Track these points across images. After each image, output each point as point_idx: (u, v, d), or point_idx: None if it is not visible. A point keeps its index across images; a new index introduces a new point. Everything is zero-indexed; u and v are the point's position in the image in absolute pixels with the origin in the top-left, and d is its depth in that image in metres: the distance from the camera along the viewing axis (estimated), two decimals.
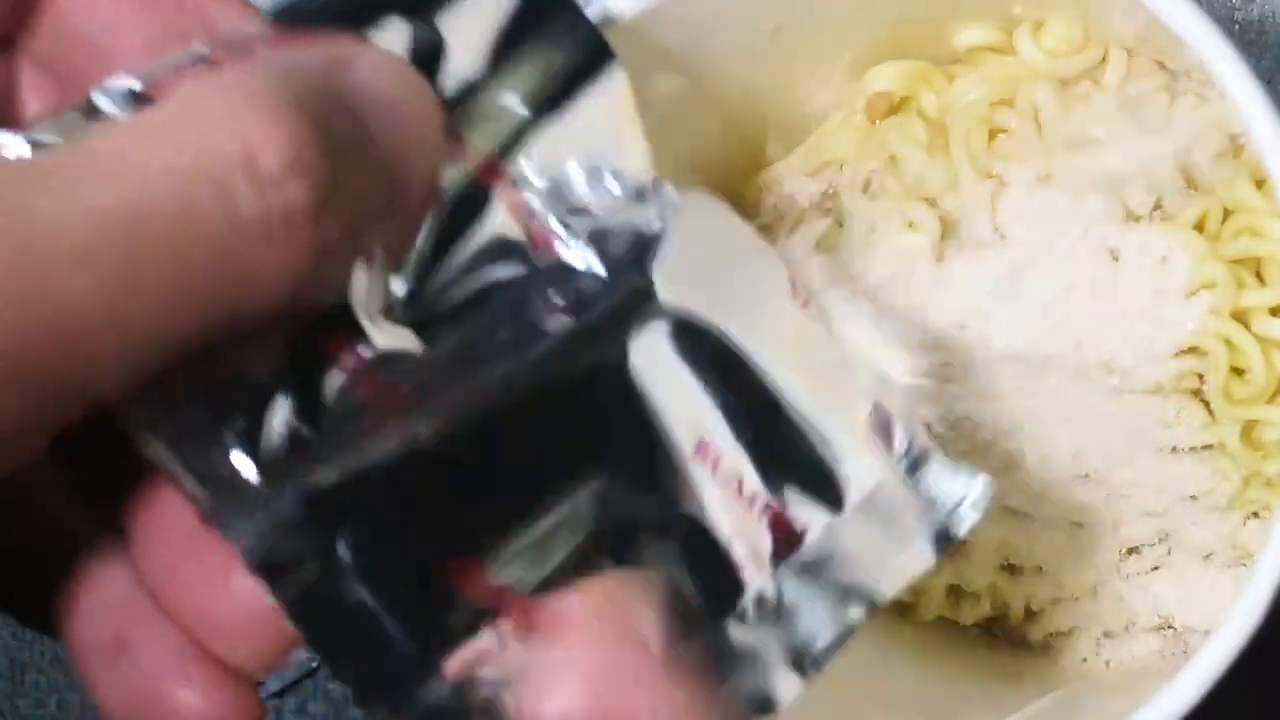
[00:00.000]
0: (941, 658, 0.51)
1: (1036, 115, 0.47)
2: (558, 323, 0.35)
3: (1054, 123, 0.47)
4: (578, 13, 0.37)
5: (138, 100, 0.31)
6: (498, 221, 0.35)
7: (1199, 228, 0.46)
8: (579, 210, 0.36)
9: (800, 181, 0.50)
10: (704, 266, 0.37)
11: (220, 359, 0.30)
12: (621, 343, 0.36)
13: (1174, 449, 0.47)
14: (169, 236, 0.27)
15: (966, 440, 0.48)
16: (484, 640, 0.32)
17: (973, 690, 0.50)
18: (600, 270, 0.36)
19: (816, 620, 0.36)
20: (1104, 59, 0.48)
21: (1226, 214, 0.46)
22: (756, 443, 0.37)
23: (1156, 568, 0.49)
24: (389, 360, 0.33)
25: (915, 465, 0.39)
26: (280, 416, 0.32)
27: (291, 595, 0.31)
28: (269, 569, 0.31)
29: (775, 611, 0.36)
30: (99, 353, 0.27)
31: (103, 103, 0.31)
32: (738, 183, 0.51)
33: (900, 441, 0.39)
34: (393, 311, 0.33)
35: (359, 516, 0.32)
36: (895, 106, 0.49)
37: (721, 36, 0.47)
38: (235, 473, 0.31)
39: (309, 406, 0.32)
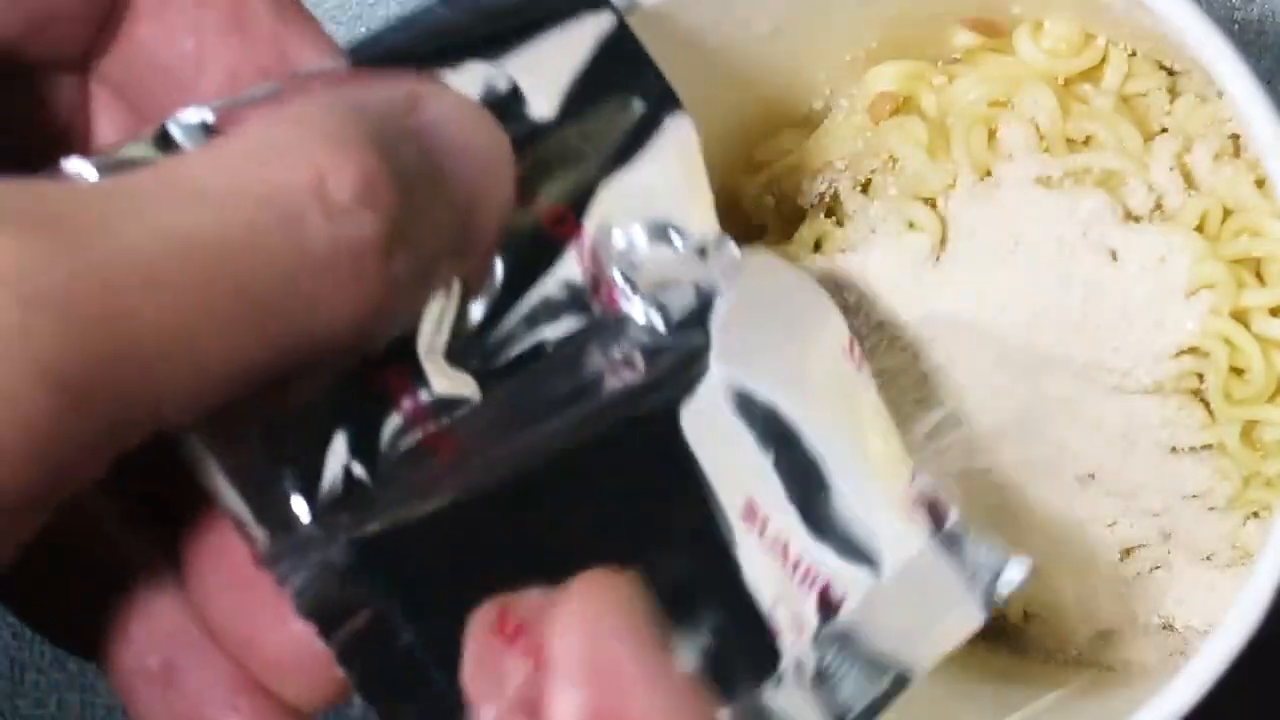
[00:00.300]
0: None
1: (1036, 115, 0.47)
2: (616, 378, 0.35)
3: (1054, 123, 0.47)
4: (648, 62, 0.37)
5: (209, 133, 0.31)
6: (562, 272, 0.35)
7: (1199, 228, 0.46)
8: (642, 264, 0.36)
9: (800, 181, 0.50)
10: (760, 328, 0.37)
11: (282, 393, 0.30)
12: (675, 400, 0.36)
13: (1174, 449, 0.47)
14: (240, 263, 0.27)
15: (966, 440, 0.48)
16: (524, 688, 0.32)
17: (973, 690, 0.50)
18: (660, 326, 0.36)
19: (854, 687, 0.36)
20: (1104, 59, 0.48)
21: (1226, 214, 0.46)
22: (804, 508, 0.37)
23: (1156, 568, 0.49)
24: (446, 406, 0.33)
25: (953, 539, 0.39)
26: (338, 458, 0.32)
27: (341, 641, 0.31)
28: (320, 615, 0.31)
29: (816, 678, 0.36)
30: (167, 378, 0.26)
31: (175, 133, 0.31)
32: (737, 182, 0.51)
33: (941, 514, 0.38)
34: (455, 355, 0.33)
35: (410, 566, 0.32)
36: (897, 107, 0.49)
37: (721, 36, 0.47)
38: (292, 514, 0.31)
39: (366, 449, 0.32)
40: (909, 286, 0.47)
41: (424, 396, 0.33)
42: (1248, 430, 0.46)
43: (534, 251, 0.35)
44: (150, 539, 0.33)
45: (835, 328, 0.38)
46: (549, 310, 0.35)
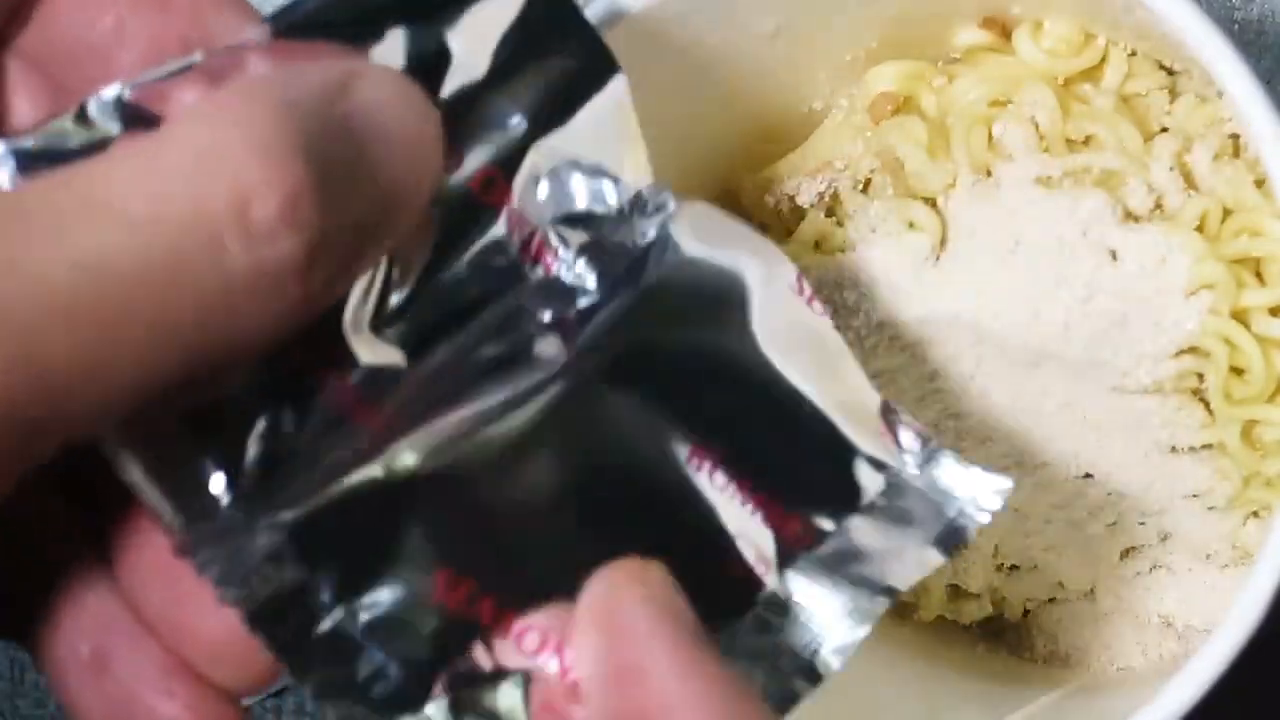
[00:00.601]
0: (941, 658, 0.51)
1: (1036, 115, 0.47)
2: (547, 343, 0.35)
3: (1054, 123, 0.47)
4: (581, 21, 0.36)
5: (126, 110, 0.31)
6: (491, 234, 0.35)
7: (1199, 228, 0.46)
8: (575, 221, 0.36)
9: (800, 181, 0.50)
10: (702, 274, 0.37)
11: (199, 387, 0.30)
12: (613, 358, 0.35)
13: (1174, 449, 0.47)
14: (158, 290, 0.27)
15: (966, 439, 0.48)
16: (477, 653, 0.32)
17: (973, 690, 0.50)
18: (591, 285, 0.36)
19: (832, 617, 0.36)
20: (1104, 59, 0.48)
21: (1226, 214, 0.46)
22: (761, 446, 0.36)
23: (1156, 567, 0.49)
24: (372, 376, 0.33)
25: (927, 461, 0.38)
26: (258, 443, 0.32)
27: (269, 626, 0.31)
28: (244, 600, 0.31)
29: (785, 610, 0.35)
30: (79, 403, 0.27)
31: (94, 110, 0.31)
32: (737, 182, 0.51)
33: (910, 439, 0.38)
34: (382, 325, 0.33)
35: (337, 544, 0.32)
36: (897, 107, 0.49)
37: (721, 36, 0.47)
38: (211, 502, 0.31)
39: (291, 430, 0.32)
40: (909, 286, 0.47)
41: (352, 374, 0.33)
42: (1248, 430, 0.46)
43: (462, 216, 0.34)
44: (78, 527, 0.33)
45: (781, 266, 0.38)
46: (477, 274, 0.34)
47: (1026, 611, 0.51)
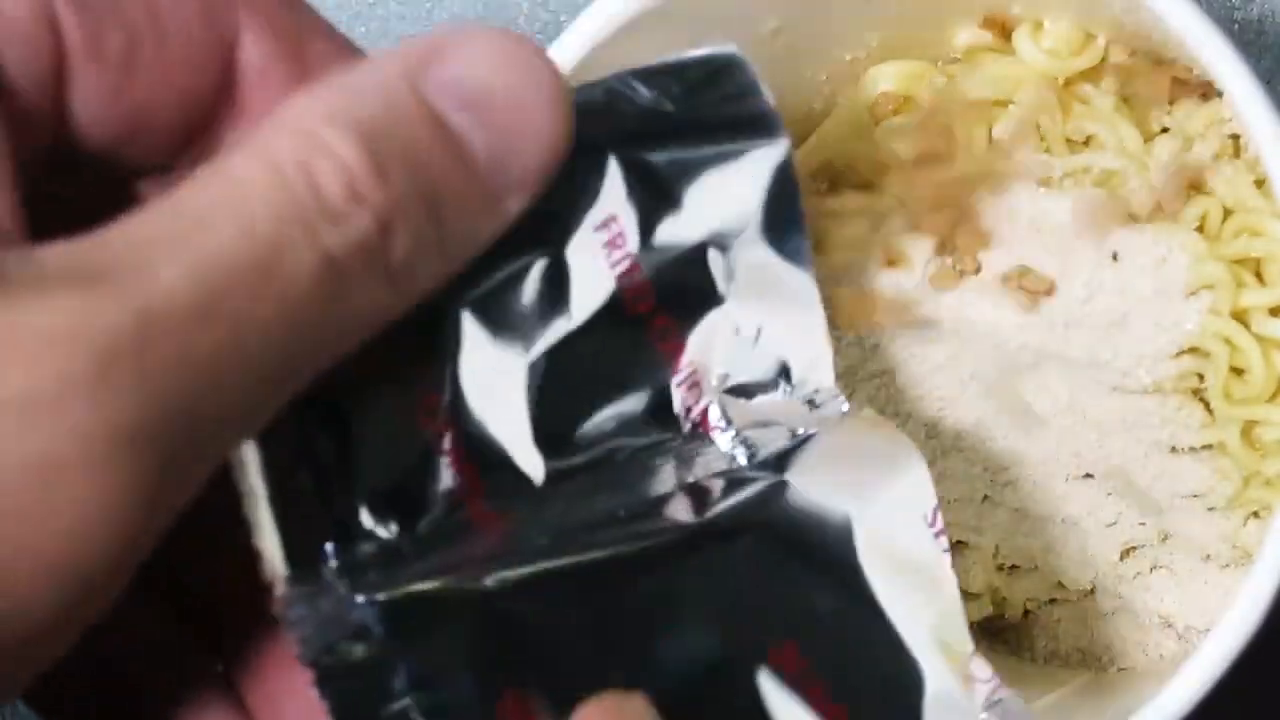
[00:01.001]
0: None
1: (1036, 115, 0.47)
2: (681, 504, 0.35)
3: (1054, 123, 0.47)
4: (794, 204, 0.36)
5: None
6: (656, 384, 0.35)
7: (1199, 228, 0.46)
8: (743, 393, 0.36)
9: (800, 181, 0.50)
10: (843, 468, 0.36)
11: (338, 437, 0.30)
12: (735, 532, 0.35)
13: (1174, 449, 0.47)
14: (274, 277, 0.27)
15: (964, 439, 0.48)
16: None
17: None
18: (743, 460, 0.36)
19: None
20: (1104, 59, 0.48)
21: (1226, 214, 0.46)
22: (840, 652, 0.36)
23: (1156, 567, 0.49)
24: (501, 482, 0.33)
25: (994, 706, 0.37)
26: (378, 514, 0.32)
27: (339, 693, 0.31)
28: (323, 666, 0.31)
29: None
30: (231, 407, 0.27)
31: None
32: None
33: (984, 686, 0.37)
34: (533, 437, 0.33)
35: (423, 637, 0.32)
36: (897, 107, 0.49)
37: (722, 36, 0.47)
38: (321, 560, 0.31)
39: (411, 508, 0.32)
40: (909, 286, 0.47)
41: (479, 466, 0.33)
42: (1248, 430, 0.46)
43: (632, 356, 0.35)
44: (198, 650, 0.33)
45: (921, 489, 0.37)
46: (633, 419, 0.35)
47: (1027, 611, 0.51)
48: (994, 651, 0.51)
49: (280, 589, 0.31)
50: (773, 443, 0.36)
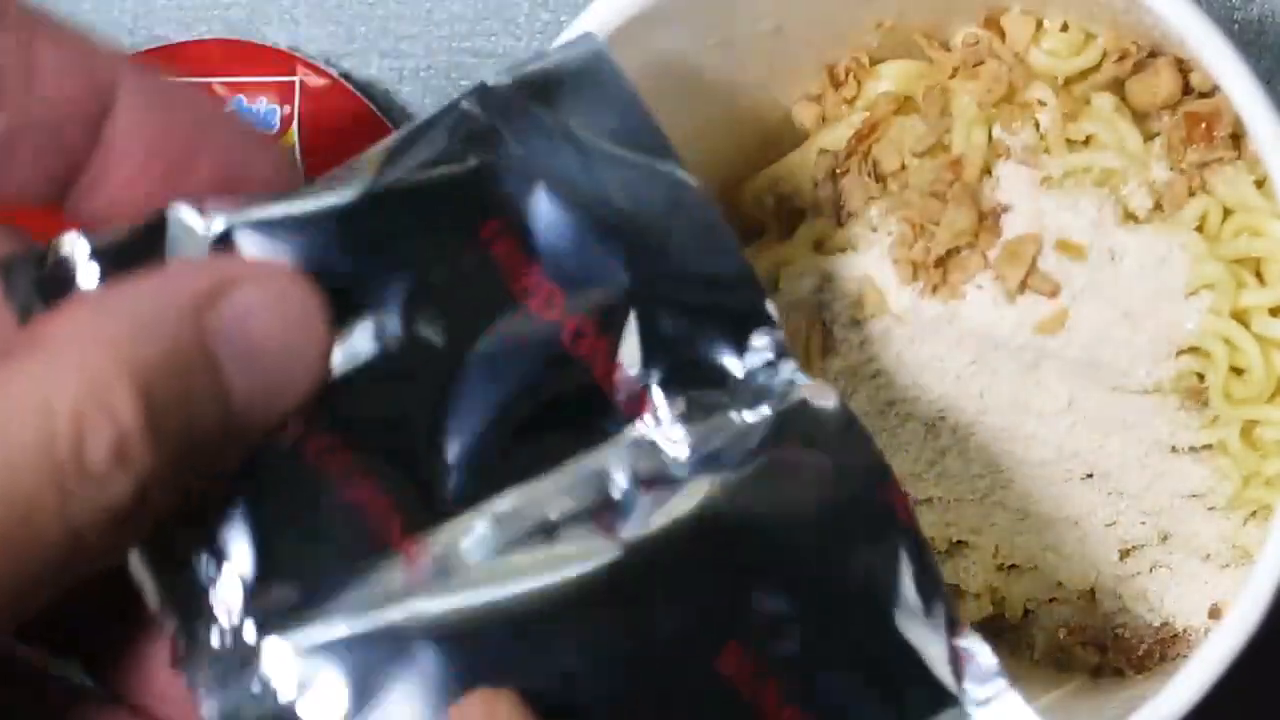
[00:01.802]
0: None
1: (1036, 115, 0.47)
2: (614, 511, 0.34)
3: (1054, 123, 0.47)
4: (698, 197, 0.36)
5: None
6: (579, 384, 0.35)
7: (1199, 228, 0.46)
8: (683, 383, 0.35)
9: (800, 181, 0.50)
10: (794, 466, 0.36)
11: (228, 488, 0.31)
12: (675, 536, 0.35)
13: (1174, 449, 0.47)
14: (8, 531, 0.28)
15: (964, 439, 0.48)
16: None
17: None
18: (683, 456, 0.35)
19: None
20: (1104, 59, 0.48)
21: (1226, 214, 0.46)
22: (810, 655, 0.35)
23: (1156, 567, 0.49)
24: (418, 507, 0.33)
25: (991, 698, 0.37)
26: (287, 556, 0.32)
27: None
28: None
29: None
30: None
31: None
32: (738, 183, 0.51)
33: (977, 670, 0.37)
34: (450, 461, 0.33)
35: (337, 678, 0.32)
36: (897, 107, 0.49)
37: (723, 36, 0.47)
38: (215, 623, 0.31)
39: (322, 547, 0.32)
40: (909, 286, 0.47)
41: (396, 503, 0.33)
42: (1248, 430, 0.46)
43: (550, 367, 0.34)
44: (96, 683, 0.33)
45: (874, 469, 0.37)
46: (560, 425, 0.34)
47: (1027, 611, 0.51)
48: (994, 651, 0.51)
49: (180, 652, 0.31)
50: (716, 436, 0.35)
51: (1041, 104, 0.47)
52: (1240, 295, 0.46)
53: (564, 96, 0.35)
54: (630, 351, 0.35)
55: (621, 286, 0.35)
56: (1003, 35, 0.48)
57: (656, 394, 0.35)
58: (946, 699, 0.35)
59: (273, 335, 0.31)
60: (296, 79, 0.58)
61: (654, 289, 0.35)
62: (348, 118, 0.57)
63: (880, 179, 0.48)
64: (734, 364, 0.36)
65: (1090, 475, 0.48)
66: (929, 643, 0.35)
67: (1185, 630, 0.49)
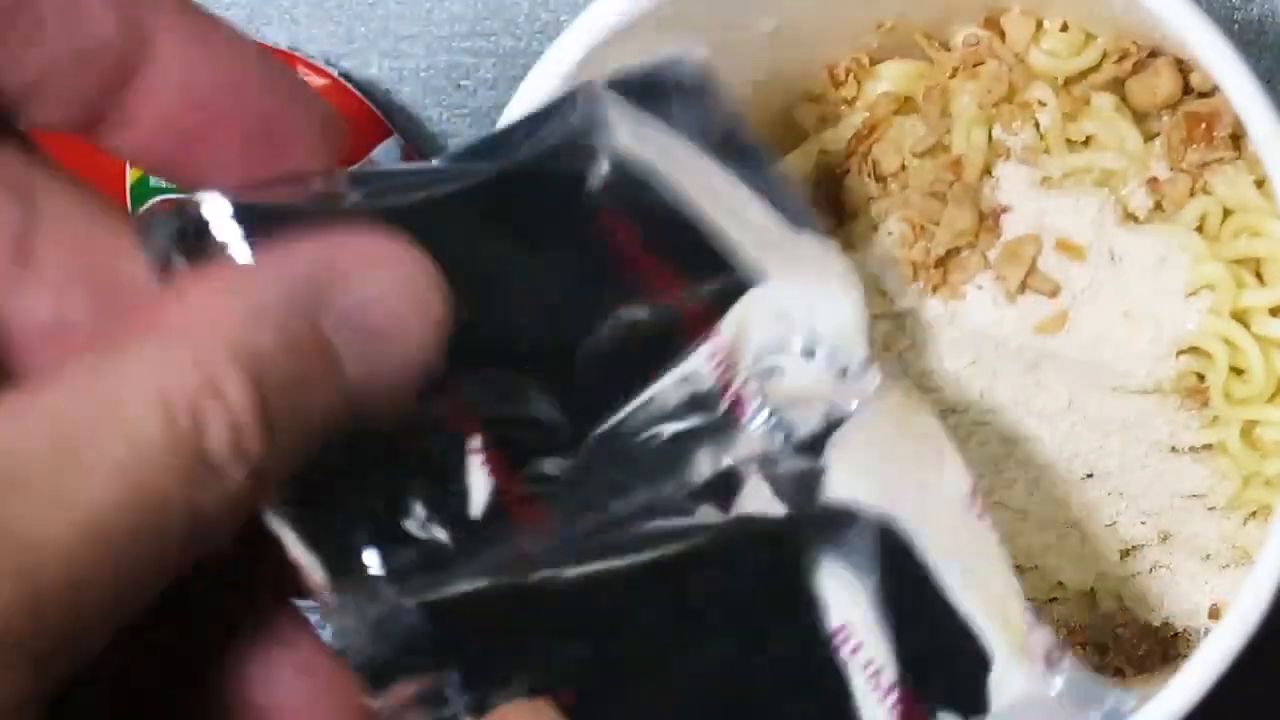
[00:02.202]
0: None
1: (1036, 116, 0.47)
2: (714, 499, 0.35)
3: (1054, 123, 0.47)
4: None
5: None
6: (688, 370, 0.35)
7: (1199, 228, 0.46)
8: (778, 379, 0.36)
9: (800, 181, 0.50)
10: (882, 459, 0.36)
11: (362, 451, 0.31)
12: (789, 530, 0.35)
13: (1174, 449, 0.47)
14: (138, 529, 0.28)
15: (964, 439, 0.48)
16: None
17: None
18: (778, 444, 0.36)
19: None
20: (1103, 59, 0.48)
21: (1226, 214, 0.46)
22: (903, 634, 0.36)
23: (1156, 567, 0.49)
24: (539, 474, 0.33)
25: (1058, 675, 0.37)
26: (417, 518, 0.32)
27: (389, 701, 0.31)
28: (372, 671, 0.31)
29: None
30: (100, 629, 0.28)
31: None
32: None
33: (1047, 654, 0.37)
34: (558, 434, 0.33)
35: (474, 640, 0.32)
36: (897, 107, 0.49)
37: (721, 36, 0.47)
38: (363, 569, 0.31)
39: (450, 510, 0.32)
40: (909, 286, 0.47)
41: (516, 461, 0.33)
42: (1248, 430, 0.46)
43: (662, 345, 0.34)
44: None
45: (958, 475, 0.37)
46: (665, 407, 0.35)
47: None
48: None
49: (324, 597, 0.31)
50: (806, 423, 0.36)
51: (1041, 104, 0.47)
52: (1240, 295, 0.46)
53: (672, 105, 0.36)
54: (736, 337, 0.35)
55: (736, 282, 0.35)
56: (1003, 35, 0.48)
57: (753, 384, 0.35)
58: (1023, 679, 0.36)
59: (390, 322, 0.30)
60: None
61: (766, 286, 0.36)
62: (348, 118, 0.57)
63: (880, 179, 0.48)
64: (822, 357, 0.36)
65: (1090, 475, 0.48)
66: (1007, 634, 0.36)
67: (1185, 630, 0.49)
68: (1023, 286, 0.46)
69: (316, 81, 0.58)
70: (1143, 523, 0.48)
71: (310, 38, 0.59)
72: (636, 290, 0.34)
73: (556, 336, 0.34)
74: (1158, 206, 0.47)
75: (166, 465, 0.28)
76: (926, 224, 0.47)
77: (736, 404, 0.35)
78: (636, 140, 0.35)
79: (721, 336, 0.35)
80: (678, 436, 0.35)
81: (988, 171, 0.47)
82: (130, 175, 0.58)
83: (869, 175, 0.48)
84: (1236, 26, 0.56)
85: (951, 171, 0.47)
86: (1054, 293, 0.46)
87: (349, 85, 0.58)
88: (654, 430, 0.34)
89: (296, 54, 0.58)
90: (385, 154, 0.57)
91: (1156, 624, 0.49)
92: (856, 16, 0.48)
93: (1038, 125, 0.47)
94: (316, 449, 0.30)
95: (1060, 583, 0.50)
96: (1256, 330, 0.46)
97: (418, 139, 0.58)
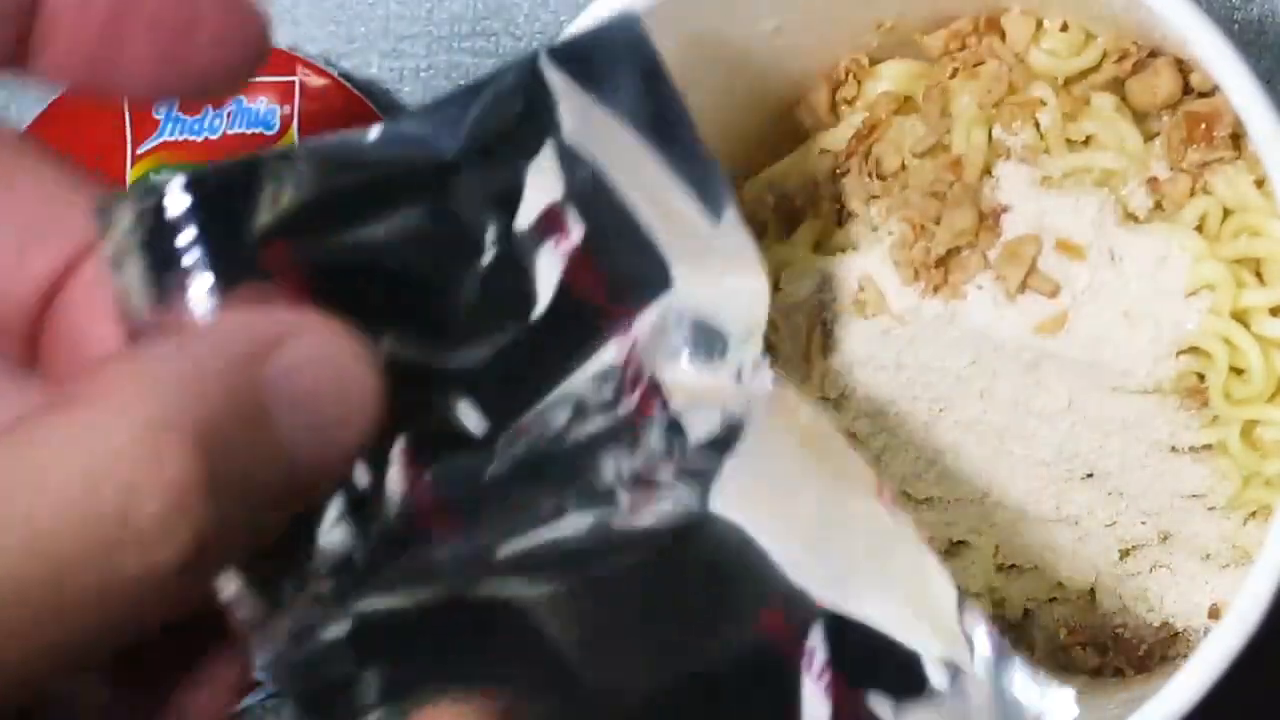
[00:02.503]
0: None
1: (1036, 115, 0.47)
2: (623, 499, 0.35)
3: (1054, 123, 0.47)
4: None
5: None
6: (600, 363, 0.35)
7: (1199, 228, 0.46)
8: (681, 375, 0.36)
9: (800, 181, 0.50)
10: (773, 470, 0.36)
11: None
12: (687, 528, 0.35)
13: (1174, 449, 0.47)
14: (57, 593, 0.28)
15: (964, 438, 0.48)
16: None
17: None
18: (677, 447, 0.35)
19: None
20: (1103, 59, 0.48)
21: (1226, 214, 0.46)
22: (831, 621, 0.36)
23: (1156, 567, 0.49)
24: (448, 469, 0.33)
25: (998, 667, 0.37)
26: (331, 530, 0.32)
27: (306, 709, 0.31)
28: (291, 688, 0.31)
29: None
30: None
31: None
32: (737, 182, 0.51)
33: (983, 643, 0.37)
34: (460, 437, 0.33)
35: (389, 650, 0.32)
36: (897, 107, 0.49)
37: (723, 36, 0.47)
38: (282, 583, 0.31)
39: (361, 519, 0.32)
40: (909, 286, 0.47)
41: (427, 471, 0.33)
42: (1248, 430, 0.46)
43: (580, 344, 0.35)
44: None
45: (860, 472, 0.37)
46: (576, 407, 0.35)
47: (1026, 611, 0.51)
48: None
49: (240, 612, 0.31)
50: (706, 426, 0.36)
51: (1042, 104, 0.47)
52: (1240, 295, 0.46)
53: (609, 77, 0.36)
54: (652, 334, 0.35)
55: (656, 279, 0.35)
56: (1003, 35, 0.48)
57: (657, 381, 0.35)
58: (956, 668, 0.36)
59: (324, 387, 0.31)
60: (296, 79, 0.58)
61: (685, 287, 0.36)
62: (348, 118, 0.57)
63: (880, 179, 0.48)
64: (720, 356, 0.36)
65: (1090, 475, 0.48)
66: (938, 621, 0.36)
67: (1185, 630, 0.49)
68: (1023, 286, 0.46)
69: (316, 81, 0.58)
70: (1143, 523, 0.48)
71: (310, 38, 0.59)
72: (568, 289, 0.34)
73: (482, 336, 0.34)
74: (1158, 206, 0.47)
75: (81, 532, 0.27)
76: (926, 224, 0.47)
77: (643, 404, 0.35)
78: (579, 126, 0.35)
79: (633, 335, 0.35)
80: (587, 438, 0.35)
81: (988, 171, 0.47)
82: (131, 174, 0.58)
83: (869, 175, 0.48)
84: (1236, 26, 0.56)
85: (951, 171, 0.47)
86: (1054, 293, 0.46)
87: (349, 85, 0.58)
88: (564, 430, 0.34)
89: (296, 54, 0.58)
90: None
91: (1156, 624, 0.49)
92: (856, 16, 0.48)
93: (1038, 125, 0.47)
94: (270, 524, 0.30)
95: (1060, 583, 0.50)
96: (1256, 330, 0.46)
97: None
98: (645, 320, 0.35)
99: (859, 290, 0.47)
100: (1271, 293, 0.46)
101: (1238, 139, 0.47)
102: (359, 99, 0.58)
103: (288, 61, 0.58)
